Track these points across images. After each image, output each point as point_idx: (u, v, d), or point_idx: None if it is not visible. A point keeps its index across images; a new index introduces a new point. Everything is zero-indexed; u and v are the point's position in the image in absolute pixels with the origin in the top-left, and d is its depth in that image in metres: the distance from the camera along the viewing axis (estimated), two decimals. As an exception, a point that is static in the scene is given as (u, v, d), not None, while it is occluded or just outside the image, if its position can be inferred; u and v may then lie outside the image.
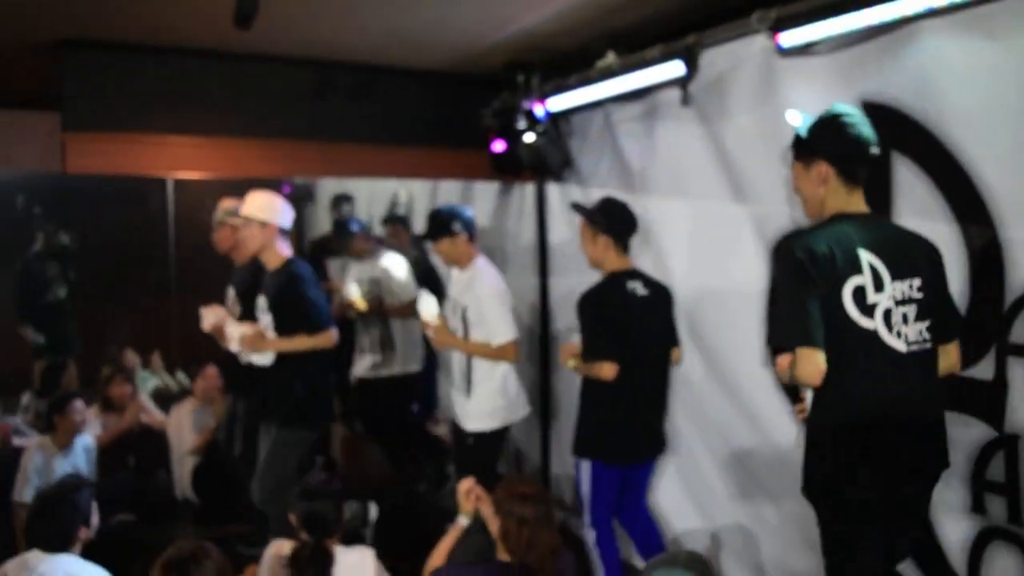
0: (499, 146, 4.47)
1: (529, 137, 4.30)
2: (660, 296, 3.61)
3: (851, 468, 2.28)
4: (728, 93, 3.45)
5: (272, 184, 6.24)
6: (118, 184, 4.58)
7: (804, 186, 2.47)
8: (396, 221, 6.01)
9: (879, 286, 2.27)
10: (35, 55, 3.88)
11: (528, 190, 4.95)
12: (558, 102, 4.24)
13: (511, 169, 4.57)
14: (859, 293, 2.25)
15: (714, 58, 3.46)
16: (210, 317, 4.23)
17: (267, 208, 4.04)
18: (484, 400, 3.98)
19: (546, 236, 4.84)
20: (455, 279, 4.13)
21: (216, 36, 3.71)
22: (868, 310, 2.25)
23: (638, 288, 3.54)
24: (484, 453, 4.03)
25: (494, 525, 2.70)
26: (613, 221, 3.56)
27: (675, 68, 3.51)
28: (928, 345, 2.34)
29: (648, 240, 3.95)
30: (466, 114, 4.58)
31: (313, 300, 4.01)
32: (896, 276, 2.29)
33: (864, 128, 2.38)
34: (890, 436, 2.28)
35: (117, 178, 4.21)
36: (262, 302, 4.12)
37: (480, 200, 5.55)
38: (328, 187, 6.71)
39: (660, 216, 3.95)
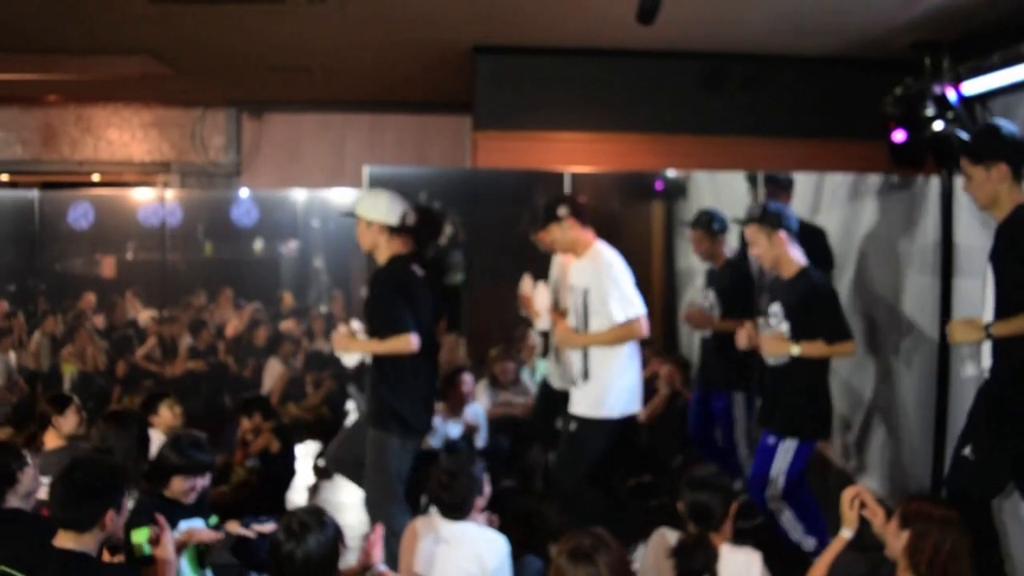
0: (899, 136, 4.11)
1: (938, 125, 3.90)
2: None
3: None
4: None
5: (646, 177, 6.37)
6: (515, 178, 4.94)
7: (985, 185, 3.01)
8: (696, 225, 4.77)
9: None
10: (448, 62, 4.32)
11: (932, 184, 4.50)
12: (976, 84, 3.80)
13: (912, 161, 4.18)
14: None
15: None
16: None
17: (368, 207, 3.95)
18: (597, 383, 3.88)
19: (951, 235, 4.36)
20: (574, 267, 4.01)
21: (614, 34, 3.85)
22: None
23: None
24: (583, 444, 3.83)
25: (897, 539, 2.50)
26: (783, 216, 3.80)
27: None
28: None
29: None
30: (859, 102, 4.30)
31: (385, 303, 3.85)
32: None
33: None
34: None
35: (515, 172, 4.56)
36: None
37: (872, 196, 5.17)
38: (701, 180, 6.63)
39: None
